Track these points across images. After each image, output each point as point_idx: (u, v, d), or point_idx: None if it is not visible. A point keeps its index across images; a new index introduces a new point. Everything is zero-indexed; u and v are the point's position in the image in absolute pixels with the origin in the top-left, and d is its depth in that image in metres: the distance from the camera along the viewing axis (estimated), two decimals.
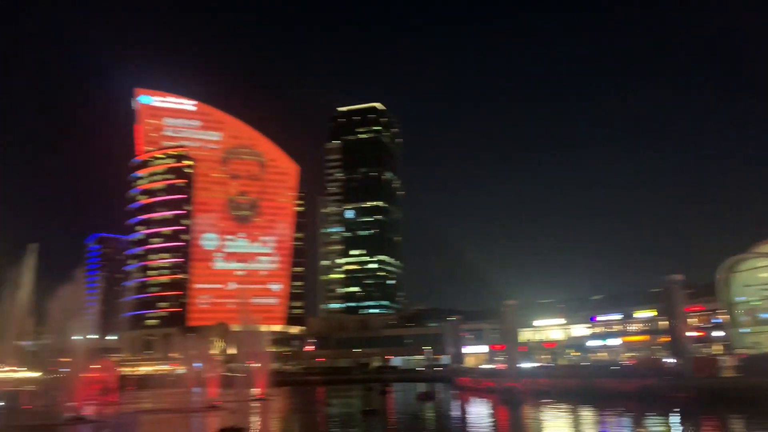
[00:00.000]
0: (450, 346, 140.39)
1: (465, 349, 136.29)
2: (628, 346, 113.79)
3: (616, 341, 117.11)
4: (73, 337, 63.76)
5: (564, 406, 62.64)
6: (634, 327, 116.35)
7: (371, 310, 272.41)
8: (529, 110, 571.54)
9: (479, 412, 65.97)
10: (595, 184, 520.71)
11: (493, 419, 58.12)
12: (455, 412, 66.77)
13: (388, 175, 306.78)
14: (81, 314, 71.67)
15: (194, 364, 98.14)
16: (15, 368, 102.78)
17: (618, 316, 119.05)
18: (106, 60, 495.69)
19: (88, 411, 57.72)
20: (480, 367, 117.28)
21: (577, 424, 51.97)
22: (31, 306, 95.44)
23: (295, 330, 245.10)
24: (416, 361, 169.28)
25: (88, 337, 71.32)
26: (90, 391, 62.99)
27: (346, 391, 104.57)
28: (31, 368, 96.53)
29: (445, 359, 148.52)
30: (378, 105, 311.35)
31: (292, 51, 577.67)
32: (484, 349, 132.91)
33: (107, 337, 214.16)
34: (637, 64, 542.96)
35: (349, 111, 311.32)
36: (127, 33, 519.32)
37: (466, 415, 62.84)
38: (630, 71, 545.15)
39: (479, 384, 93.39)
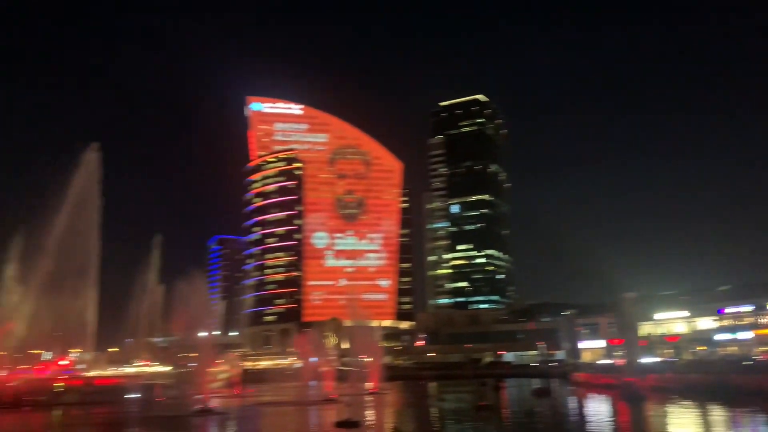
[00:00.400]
0: (565, 341, 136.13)
1: (581, 344, 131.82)
2: (761, 340, 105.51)
3: (748, 335, 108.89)
4: (198, 334, 67.69)
5: (689, 404, 59.07)
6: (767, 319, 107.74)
7: (481, 305, 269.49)
8: (637, 96, 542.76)
9: (598, 408, 63.55)
10: (717, 169, 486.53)
11: (614, 416, 55.78)
12: (573, 409, 64.74)
13: (493, 167, 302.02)
14: (205, 312, 75.87)
15: (310, 359, 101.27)
16: (148, 363, 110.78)
17: (749, 308, 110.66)
18: (221, 69, 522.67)
19: (215, 403, 60.98)
20: (597, 362, 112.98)
21: (706, 423, 48.82)
22: (160, 305, 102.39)
23: (404, 325, 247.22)
24: (529, 356, 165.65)
25: (212, 333, 75.37)
26: (215, 385, 66.52)
27: (458, 386, 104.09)
28: (162, 363, 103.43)
29: (560, 355, 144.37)
30: (480, 97, 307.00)
31: (392, 48, 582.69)
32: (601, 343, 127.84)
33: (230, 334, 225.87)
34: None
35: (451, 105, 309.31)
36: (238, 42, 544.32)
37: (585, 412, 60.76)
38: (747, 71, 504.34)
39: (597, 380, 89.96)
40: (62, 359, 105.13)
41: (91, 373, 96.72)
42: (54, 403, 74.96)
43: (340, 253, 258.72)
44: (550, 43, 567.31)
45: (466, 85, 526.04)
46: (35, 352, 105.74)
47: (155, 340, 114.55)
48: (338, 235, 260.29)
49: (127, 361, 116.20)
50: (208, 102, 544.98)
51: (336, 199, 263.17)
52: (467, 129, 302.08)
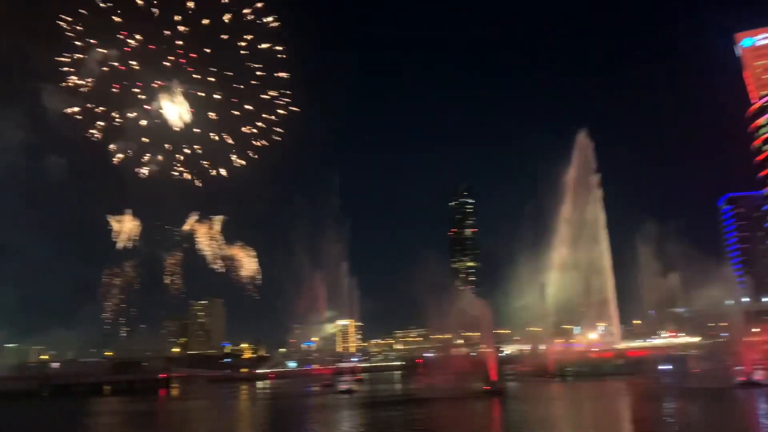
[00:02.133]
0: None
1: None
2: None
3: None
4: (726, 302, 63.47)
5: None
6: None
7: None
8: None
9: None
10: None
11: None
12: None
13: None
14: (730, 278, 70.35)
15: None
16: (675, 334, 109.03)
17: None
18: (701, 16, 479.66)
19: (759, 375, 55.99)
20: None
21: None
22: (678, 276, 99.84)
23: None
24: None
25: (741, 300, 69.32)
26: (757, 356, 61.05)
27: None
28: (689, 333, 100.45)
29: None
30: None
31: None
32: None
33: (763, 300, 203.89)
34: None
35: None
36: None
37: None
38: None
39: None
40: (590, 332, 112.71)
41: (621, 345, 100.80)
42: (590, 374, 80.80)
43: None
44: None
45: None
46: (567, 327, 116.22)
47: (678, 310, 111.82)
48: None
49: (651, 333, 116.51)
50: (686, 56, 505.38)
51: None
52: None
